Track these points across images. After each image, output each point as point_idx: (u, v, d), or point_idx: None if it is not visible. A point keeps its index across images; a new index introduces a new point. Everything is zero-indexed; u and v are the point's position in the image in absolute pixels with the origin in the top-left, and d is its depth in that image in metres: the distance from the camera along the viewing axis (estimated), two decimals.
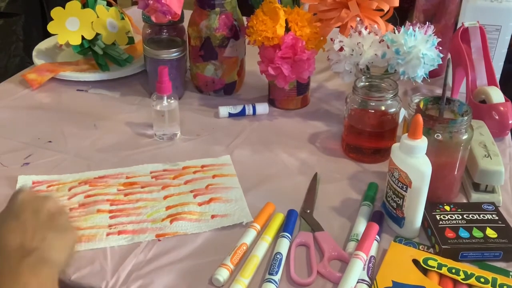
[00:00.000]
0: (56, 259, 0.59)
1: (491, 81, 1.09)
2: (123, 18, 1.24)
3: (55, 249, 0.60)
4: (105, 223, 0.82)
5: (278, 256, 0.75)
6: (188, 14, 1.14)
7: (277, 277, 0.72)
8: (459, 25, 1.11)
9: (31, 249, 0.58)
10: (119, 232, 0.80)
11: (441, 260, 0.74)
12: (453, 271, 0.73)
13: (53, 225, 0.62)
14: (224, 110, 1.10)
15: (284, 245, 0.77)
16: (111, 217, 0.83)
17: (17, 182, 0.90)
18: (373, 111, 0.94)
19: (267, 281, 0.71)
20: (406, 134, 0.76)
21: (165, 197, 0.87)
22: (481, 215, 0.81)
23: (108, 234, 0.80)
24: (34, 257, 0.58)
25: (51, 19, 1.17)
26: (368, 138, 0.96)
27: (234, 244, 0.77)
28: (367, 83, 0.95)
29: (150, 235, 0.80)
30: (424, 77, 0.98)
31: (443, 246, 0.75)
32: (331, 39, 1.03)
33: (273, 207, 0.85)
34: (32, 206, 0.63)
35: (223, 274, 0.72)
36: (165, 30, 1.17)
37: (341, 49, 1.01)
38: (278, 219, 0.82)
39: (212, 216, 0.83)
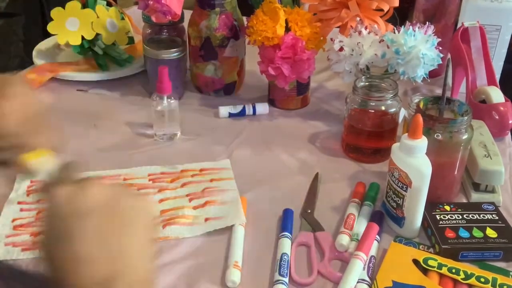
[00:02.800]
0: (141, 276, 0.47)
1: (491, 81, 1.09)
2: (123, 18, 1.24)
3: (131, 262, 0.47)
4: None
5: (285, 257, 0.75)
6: (188, 14, 1.14)
7: (287, 279, 0.72)
8: (459, 25, 1.11)
9: (108, 280, 0.45)
10: None
11: (441, 260, 0.74)
12: (453, 271, 0.73)
13: (114, 226, 0.47)
14: (224, 110, 1.10)
15: (287, 245, 0.77)
16: None
17: (16, 181, 0.90)
18: (373, 111, 0.94)
19: (280, 283, 0.71)
20: (406, 134, 0.76)
21: (160, 201, 0.86)
22: (481, 215, 0.81)
23: None
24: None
25: (51, 19, 1.17)
26: (368, 138, 0.96)
27: (233, 244, 0.77)
28: (367, 83, 0.95)
29: None
30: (424, 77, 0.98)
31: (443, 246, 0.75)
32: (331, 39, 1.03)
33: (244, 200, 0.86)
34: (75, 210, 0.47)
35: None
36: (165, 30, 1.17)
37: (341, 49, 1.01)
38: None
39: (206, 219, 0.83)
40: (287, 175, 0.94)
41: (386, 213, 0.83)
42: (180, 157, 0.97)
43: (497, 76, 1.14)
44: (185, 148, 1.01)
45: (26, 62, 1.99)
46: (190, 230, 0.81)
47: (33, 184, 0.89)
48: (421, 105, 0.84)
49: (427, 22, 0.98)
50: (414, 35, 0.95)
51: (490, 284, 0.71)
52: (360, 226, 0.81)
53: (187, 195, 0.87)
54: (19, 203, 0.85)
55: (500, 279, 0.72)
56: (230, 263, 0.74)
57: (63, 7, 1.17)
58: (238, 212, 0.83)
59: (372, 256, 0.76)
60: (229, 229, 0.81)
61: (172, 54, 1.10)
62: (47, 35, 1.27)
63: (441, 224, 0.79)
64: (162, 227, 0.81)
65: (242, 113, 1.10)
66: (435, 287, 0.71)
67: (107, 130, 1.05)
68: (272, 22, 1.01)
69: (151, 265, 0.48)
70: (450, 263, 0.74)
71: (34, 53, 1.28)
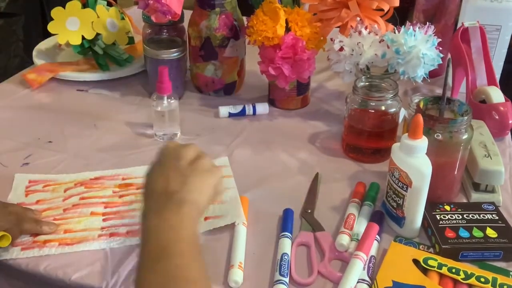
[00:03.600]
0: (194, 199, 0.67)
1: (491, 81, 1.09)
2: (123, 18, 1.24)
3: (194, 191, 0.67)
4: (97, 226, 0.81)
5: (285, 257, 0.75)
6: (188, 14, 1.14)
7: (287, 279, 0.72)
8: (459, 25, 1.11)
9: (173, 192, 0.66)
10: (111, 235, 0.79)
11: (441, 260, 0.74)
12: (453, 271, 0.73)
13: (192, 170, 0.69)
14: (224, 110, 1.10)
15: (287, 245, 0.77)
16: (104, 220, 0.82)
17: (14, 181, 0.90)
18: (373, 111, 0.94)
19: (280, 283, 0.71)
20: (406, 134, 0.76)
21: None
22: (481, 215, 0.81)
23: (99, 236, 0.79)
24: (175, 199, 0.65)
25: (51, 19, 1.17)
26: (368, 138, 0.96)
27: (231, 244, 0.77)
28: (367, 83, 0.95)
29: None
30: (424, 77, 0.98)
31: (443, 246, 0.75)
32: (331, 39, 1.03)
33: (246, 200, 0.86)
34: (174, 155, 0.71)
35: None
36: (165, 30, 1.17)
37: (341, 49, 1.01)
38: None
39: (205, 218, 0.83)
40: (287, 175, 0.94)
41: (386, 213, 0.83)
42: None
43: (497, 76, 1.14)
44: None
45: (26, 62, 1.99)
46: None
47: (32, 185, 0.89)
48: (421, 105, 0.84)
49: (427, 22, 0.98)
50: (414, 35, 0.95)
51: (490, 284, 0.71)
52: (360, 226, 0.81)
53: None
54: (18, 204, 0.84)
55: (500, 279, 0.72)
56: (235, 264, 0.74)
57: (63, 7, 1.17)
58: (238, 210, 0.83)
59: (372, 256, 0.76)
60: (229, 228, 0.81)
61: (172, 54, 1.10)
62: (47, 35, 1.27)
63: (441, 224, 0.79)
64: None
65: (242, 113, 1.10)
66: (435, 287, 0.71)
67: (107, 130, 1.05)
68: (272, 22, 1.01)
69: (207, 202, 0.70)
70: (450, 263, 0.74)
71: (34, 53, 1.28)
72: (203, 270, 0.62)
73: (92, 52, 1.21)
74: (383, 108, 0.94)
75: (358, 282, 0.72)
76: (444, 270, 0.73)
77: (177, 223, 0.64)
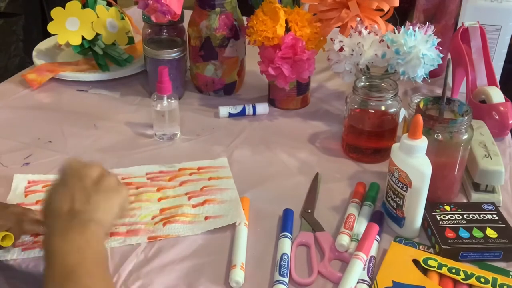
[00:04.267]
0: (99, 219, 0.66)
1: (491, 81, 1.09)
2: (123, 18, 1.24)
3: (99, 210, 0.67)
4: None
5: (285, 257, 0.75)
6: (188, 14, 1.14)
7: (287, 279, 0.72)
8: (459, 25, 1.11)
9: (77, 211, 0.65)
10: (111, 234, 0.79)
11: (441, 260, 0.74)
12: (453, 271, 0.73)
13: (97, 189, 0.69)
14: (224, 110, 1.10)
15: (287, 245, 0.77)
16: None
17: (13, 181, 0.90)
18: (373, 111, 0.94)
19: (280, 283, 0.71)
20: (406, 134, 0.76)
21: (160, 199, 0.86)
22: (481, 215, 0.81)
23: None
24: (80, 218, 0.65)
25: (51, 19, 1.17)
26: (368, 138, 0.96)
27: (233, 244, 0.78)
28: (367, 83, 0.95)
29: (142, 237, 0.79)
30: (424, 77, 0.98)
31: (443, 246, 0.75)
32: (331, 39, 1.03)
33: (246, 200, 0.86)
34: (77, 174, 0.70)
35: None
36: (165, 30, 1.17)
37: (341, 49, 1.01)
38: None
39: (206, 218, 0.83)
40: (287, 175, 0.94)
41: (386, 213, 0.83)
42: (180, 157, 0.97)
43: (497, 76, 1.14)
44: (185, 148, 1.01)
45: (26, 62, 2.00)
46: (191, 228, 0.81)
47: (31, 185, 0.89)
48: (421, 105, 0.84)
49: (427, 22, 0.98)
50: (414, 35, 0.95)
51: (490, 284, 0.71)
52: (360, 226, 0.81)
53: (186, 194, 0.87)
54: (17, 204, 0.84)
55: (500, 279, 0.72)
56: (237, 264, 0.74)
57: (63, 7, 1.17)
58: (238, 210, 0.83)
59: (372, 256, 0.76)
60: (229, 228, 0.81)
61: (172, 54, 1.10)
62: (47, 35, 1.27)
63: (441, 224, 0.79)
64: (162, 225, 0.81)
65: (242, 113, 1.10)
66: (435, 287, 0.71)
67: (107, 130, 1.05)
68: (272, 22, 1.01)
69: (113, 221, 0.70)
70: (450, 263, 0.74)
71: (34, 53, 1.28)
72: (111, 285, 0.64)
73: (92, 52, 1.21)
74: (383, 108, 0.94)
75: (358, 282, 0.72)
76: (444, 270, 0.73)
77: (83, 244, 0.63)
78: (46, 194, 0.69)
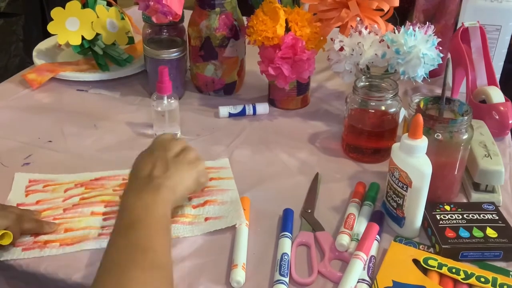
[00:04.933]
0: (172, 186, 0.75)
1: (491, 81, 1.09)
2: (123, 18, 1.24)
3: (173, 179, 0.75)
4: (98, 225, 0.81)
5: (285, 257, 0.75)
6: (188, 14, 1.14)
7: (287, 279, 0.72)
8: (459, 25, 1.11)
9: (154, 177, 0.75)
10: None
11: (441, 259, 0.74)
12: (453, 270, 0.73)
13: (176, 161, 0.78)
14: (224, 110, 1.10)
15: (287, 245, 0.77)
16: (104, 219, 0.82)
17: (14, 180, 0.90)
18: (373, 111, 0.94)
19: (280, 283, 0.71)
20: (406, 134, 0.76)
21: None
22: (481, 215, 0.81)
23: (100, 235, 0.79)
24: (155, 183, 0.74)
25: (51, 19, 1.17)
26: (368, 138, 0.96)
27: (234, 244, 0.78)
28: (367, 83, 0.95)
29: None
30: (424, 77, 0.98)
31: (443, 246, 0.75)
32: (331, 39, 1.03)
33: (247, 200, 0.86)
34: (164, 146, 0.80)
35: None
36: (165, 30, 1.17)
37: (341, 49, 1.01)
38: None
39: (206, 219, 0.83)
40: (287, 175, 0.94)
41: (386, 213, 0.83)
42: None
43: (497, 76, 1.14)
44: None
45: (26, 61, 2.00)
46: (191, 229, 0.81)
47: (32, 184, 0.89)
48: (421, 105, 0.85)
49: (427, 22, 0.98)
50: (414, 35, 0.95)
51: (490, 284, 0.71)
52: (360, 226, 0.81)
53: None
54: (18, 204, 0.84)
55: (500, 279, 0.72)
56: (239, 264, 0.74)
57: (63, 7, 1.17)
58: (238, 212, 0.83)
59: (372, 256, 0.76)
60: (230, 228, 0.81)
61: (172, 54, 1.10)
62: (47, 35, 1.27)
63: (441, 224, 0.79)
64: None
65: (242, 113, 1.10)
66: (435, 287, 0.71)
67: (107, 130, 1.05)
68: (272, 22, 1.01)
69: (185, 191, 0.79)
70: (450, 263, 0.74)
71: (34, 53, 1.28)
72: (165, 242, 0.69)
73: (92, 52, 1.21)
74: (383, 108, 0.94)
75: (358, 282, 0.72)
76: (444, 270, 0.73)
77: (151, 204, 0.71)
78: (135, 160, 0.79)
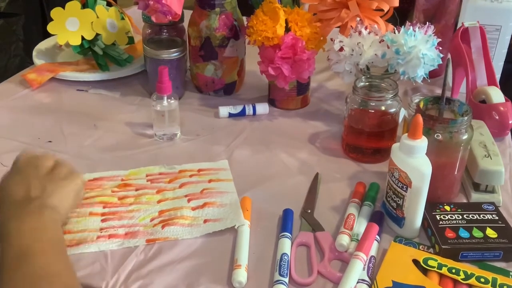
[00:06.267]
0: (55, 205, 0.68)
1: (491, 81, 1.09)
2: (123, 18, 1.24)
3: (54, 197, 0.69)
4: (96, 227, 0.81)
5: (285, 257, 0.75)
6: (188, 14, 1.14)
7: (287, 279, 0.72)
8: (459, 25, 1.11)
9: (33, 198, 0.67)
10: (110, 236, 0.79)
11: (441, 260, 0.74)
12: (453, 271, 0.73)
13: (51, 178, 0.72)
14: (224, 110, 1.10)
15: (287, 245, 0.77)
16: (103, 220, 0.82)
17: None
18: (373, 111, 0.94)
19: (280, 283, 0.71)
20: (406, 134, 0.76)
21: (159, 201, 0.86)
22: (481, 215, 0.81)
23: (98, 237, 0.79)
24: (36, 203, 0.67)
25: (51, 19, 1.17)
26: (368, 138, 0.96)
27: (236, 244, 0.78)
28: (367, 83, 0.95)
29: (141, 239, 0.79)
30: (424, 77, 0.98)
31: (443, 246, 0.75)
32: (331, 39, 1.03)
33: (249, 200, 0.86)
34: (33, 163, 0.73)
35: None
36: (165, 30, 1.17)
37: (341, 49, 1.01)
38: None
39: (205, 221, 0.82)
40: (287, 175, 0.94)
41: (386, 213, 0.83)
42: (180, 157, 0.97)
43: (497, 76, 1.14)
44: (185, 148, 1.01)
45: (26, 62, 2.00)
46: (189, 231, 0.81)
47: None
48: (421, 105, 0.84)
49: (427, 22, 0.98)
50: (414, 35, 0.95)
51: (490, 284, 0.71)
52: (360, 226, 0.81)
53: (185, 196, 0.87)
54: None
55: (500, 279, 0.72)
56: (242, 264, 0.74)
57: (63, 7, 1.17)
58: (237, 214, 0.83)
59: (372, 256, 0.76)
60: (230, 229, 0.81)
61: (172, 54, 1.10)
62: (47, 35, 1.27)
63: (441, 224, 0.79)
64: (161, 227, 0.81)
65: (242, 113, 1.10)
66: (435, 287, 0.71)
67: (107, 130, 1.05)
68: (272, 22, 1.01)
69: (69, 208, 0.73)
70: (450, 263, 0.74)
71: (34, 53, 1.28)
72: (68, 264, 0.63)
73: (92, 52, 1.21)
74: (383, 108, 0.94)
75: (358, 282, 0.72)
76: (444, 270, 0.73)
77: (39, 225, 0.65)
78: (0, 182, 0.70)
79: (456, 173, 0.85)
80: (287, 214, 0.83)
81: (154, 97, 1.00)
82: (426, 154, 0.76)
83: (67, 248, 0.77)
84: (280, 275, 0.72)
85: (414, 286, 0.71)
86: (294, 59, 1.01)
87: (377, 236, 0.79)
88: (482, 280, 0.72)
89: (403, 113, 1.00)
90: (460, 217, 0.80)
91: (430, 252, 0.77)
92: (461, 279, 0.72)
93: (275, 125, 1.09)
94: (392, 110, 0.94)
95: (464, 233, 0.77)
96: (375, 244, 0.78)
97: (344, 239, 0.77)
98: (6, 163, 0.95)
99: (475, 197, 0.88)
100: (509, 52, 1.15)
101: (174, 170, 0.93)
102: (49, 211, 0.67)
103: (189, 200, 0.86)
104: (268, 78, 1.06)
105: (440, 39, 0.98)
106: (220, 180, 0.91)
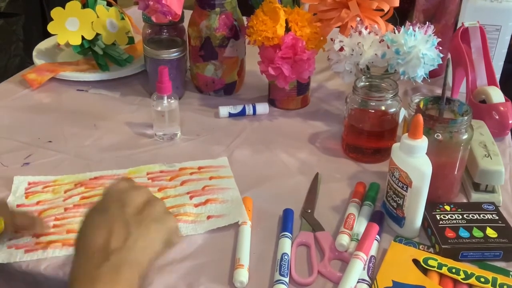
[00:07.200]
0: (136, 260, 0.58)
1: (491, 81, 1.09)
2: (123, 18, 1.24)
3: (136, 250, 0.58)
4: None
5: (285, 256, 0.75)
6: (188, 14, 1.14)
7: (287, 279, 0.72)
8: (459, 25, 1.11)
9: (112, 251, 0.57)
10: None
11: (441, 259, 0.74)
12: (453, 270, 0.73)
13: (139, 219, 0.60)
14: (224, 110, 1.10)
15: (287, 245, 0.77)
16: None
17: (13, 183, 0.89)
18: (373, 111, 0.94)
19: (280, 283, 0.71)
20: (406, 134, 0.76)
21: (161, 199, 0.86)
22: (481, 215, 0.81)
23: None
24: (113, 261, 0.56)
25: (51, 19, 1.17)
26: (368, 138, 0.96)
27: (237, 244, 0.78)
28: (367, 83, 0.95)
29: None
30: (424, 77, 0.98)
31: (443, 246, 0.75)
32: (331, 39, 1.03)
33: (250, 200, 0.86)
34: (121, 199, 0.62)
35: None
36: (165, 30, 1.17)
37: (341, 49, 1.01)
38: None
39: (208, 217, 0.83)
40: (287, 175, 0.94)
41: (386, 213, 0.83)
42: (180, 157, 0.97)
43: (497, 76, 1.14)
44: (185, 148, 1.01)
45: (26, 61, 2.00)
46: (194, 228, 0.81)
47: (31, 186, 0.89)
48: (421, 105, 0.85)
49: (427, 22, 0.98)
50: (414, 35, 0.95)
51: (490, 284, 0.71)
52: (360, 226, 0.81)
53: (187, 193, 0.87)
54: (18, 205, 0.84)
55: (500, 279, 0.72)
56: (245, 264, 0.74)
57: (63, 7, 1.17)
58: (240, 210, 0.83)
59: (372, 256, 0.76)
60: (230, 228, 0.81)
61: (172, 54, 1.10)
62: (47, 35, 1.27)
63: (441, 224, 0.79)
64: None
65: (242, 113, 1.10)
66: (435, 287, 0.71)
67: (107, 130, 1.05)
68: (272, 22, 1.01)
69: (153, 259, 0.60)
70: (450, 263, 0.74)
71: (34, 53, 1.28)
72: None
73: (92, 52, 1.21)
74: (383, 108, 0.94)
75: (358, 282, 0.72)
76: (444, 270, 0.73)
77: None
78: (82, 219, 0.61)
79: (456, 173, 0.85)
80: (287, 214, 0.83)
81: (154, 97, 1.00)
82: (426, 154, 0.76)
83: (72, 247, 0.76)
84: (281, 274, 0.72)
85: (414, 286, 0.71)
86: (294, 59, 1.01)
87: (377, 236, 0.79)
88: (482, 279, 0.72)
89: (403, 113, 1.00)
90: (460, 217, 0.80)
91: (430, 252, 0.77)
92: (461, 278, 0.72)
93: (275, 125, 1.09)
94: (392, 110, 0.94)
95: (464, 233, 0.77)
96: (375, 244, 0.78)
97: (344, 239, 0.77)
98: (6, 163, 0.95)
99: (475, 197, 0.88)
100: (509, 52, 1.15)
101: (175, 168, 0.93)
102: (126, 271, 0.56)
103: (191, 197, 0.86)
104: (268, 78, 1.06)
105: (440, 39, 0.98)
106: (220, 177, 0.91)
